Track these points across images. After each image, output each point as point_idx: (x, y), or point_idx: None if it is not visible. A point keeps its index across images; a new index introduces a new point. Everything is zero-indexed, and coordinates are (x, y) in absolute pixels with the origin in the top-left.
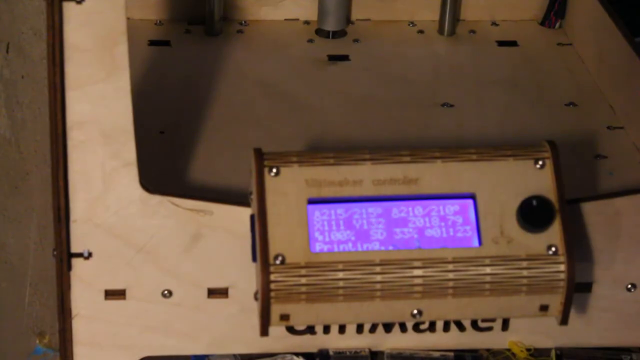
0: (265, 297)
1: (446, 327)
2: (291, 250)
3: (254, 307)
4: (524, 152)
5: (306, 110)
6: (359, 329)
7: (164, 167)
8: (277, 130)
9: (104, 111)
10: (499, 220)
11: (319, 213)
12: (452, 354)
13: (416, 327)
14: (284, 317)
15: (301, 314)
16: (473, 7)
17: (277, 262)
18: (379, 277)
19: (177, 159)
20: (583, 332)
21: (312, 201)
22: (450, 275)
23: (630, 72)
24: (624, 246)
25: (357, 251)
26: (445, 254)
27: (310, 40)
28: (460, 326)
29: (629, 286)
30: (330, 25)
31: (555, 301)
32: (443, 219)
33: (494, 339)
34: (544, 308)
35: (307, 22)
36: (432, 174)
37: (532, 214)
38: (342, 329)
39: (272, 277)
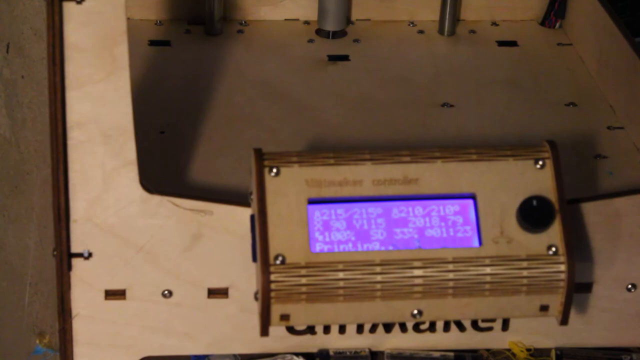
0: (265, 297)
1: (446, 327)
2: (291, 251)
3: (254, 307)
4: (524, 152)
5: (306, 110)
6: (359, 329)
7: (164, 166)
8: (277, 130)
9: (104, 111)
10: (499, 220)
11: (319, 213)
12: (452, 354)
13: (416, 327)
14: (284, 317)
15: (301, 314)
16: (473, 7)
17: (277, 262)
18: (379, 277)
19: (177, 159)
20: (583, 332)
21: (312, 201)
22: (451, 276)
23: (631, 71)
24: (624, 246)
25: (357, 251)
26: (445, 254)
27: (311, 40)
28: (460, 326)
29: (629, 286)
30: (330, 26)
31: (556, 301)
32: (443, 219)
33: (494, 339)
34: (544, 308)
35: (307, 22)
36: (432, 174)
37: (532, 214)
38: (342, 329)
39: (272, 277)
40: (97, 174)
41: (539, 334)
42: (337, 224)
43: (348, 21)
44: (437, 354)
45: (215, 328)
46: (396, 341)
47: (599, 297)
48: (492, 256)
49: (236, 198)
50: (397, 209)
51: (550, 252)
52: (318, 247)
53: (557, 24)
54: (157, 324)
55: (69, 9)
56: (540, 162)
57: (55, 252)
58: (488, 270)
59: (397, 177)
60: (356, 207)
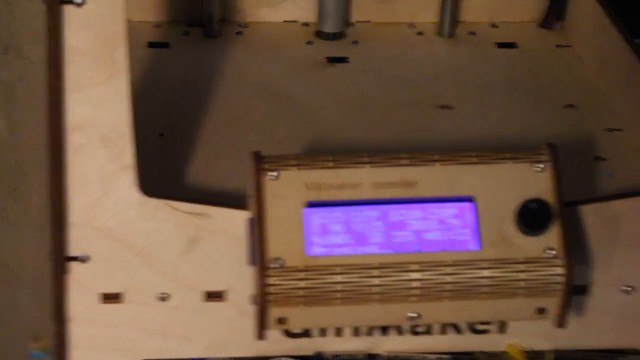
0: (262, 301)
1: (443, 330)
2: (289, 254)
3: (251, 311)
4: (523, 155)
5: (305, 112)
6: (356, 331)
7: (163, 169)
8: (276, 132)
9: (103, 114)
10: (498, 223)
11: (317, 216)
12: (448, 356)
13: (413, 330)
14: (282, 321)
15: (299, 317)
16: (472, 9)
17: (275, 265)
18: (376, 281)
19: (176, 162)
20: (580, 334)
21: (311, 204)
22: (448, 279)
23: (630, 73)
24: (621, 249)
25: (355, 255)
26: (443, 257)
27: (310, 42)
28: (457, 329)
29: (627, 288)
30: (329, 27)
31: (553, 304)
32: (442, 222)
33: (491, 342)
34: (541, 311)
35: (306, 24)
36: (431, 177)
37: (531, 217)
38: (339, 332)
39: (270, 280)
40: (96, 177)
41: (536, 336)
42: (335, 227)
43: (347, 23)
44: (433, 357)
45: (212, 331)
46: (393, 344)
47: (597, 299)
48: (491, 259)
49: (235, 201)
50: (396, 212)
51: (549, 255)
52: (316, 251)
53: (557, 26)
54: (155, 327)
55: (69, 12)
56: (540, 165)
57: (52, 256)
58: (486, 273)
59: (396, 180)
60: (354, 211)
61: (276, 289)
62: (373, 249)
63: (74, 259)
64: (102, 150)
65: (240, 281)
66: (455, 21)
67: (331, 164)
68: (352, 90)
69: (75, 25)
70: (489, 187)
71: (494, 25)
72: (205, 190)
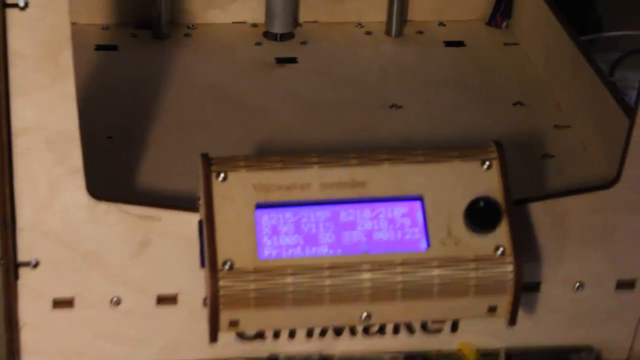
0: (214, 303)
1: (396, 330)
2: (240, 256)
3: (204, 313)
4: (470, 153)
5: (254, 114)
6: (309, 333)
7: (112, 172)
8: (226, 133)
9: (49, 118)
10: (447, 221)
11: (267, 218)
12: (402, 355)
13: (366, 331)
14: (234, 323)
15: (251, 319)
16: (420, 8)
17: (226, 267)
18: (327, 281)
19: (125, 164)
20: (532, 332)
21: (260, 206)
22: (399, 278)
23: (576, 70)
24: (571, 246)
25: (305, 256)
26: (393, 257)
27: (258, 43)
28: (410, 328)
29: (577, 285)
30: (277, 28)
31: (504, 302)
32: (391, 221)
33: (444, 341)
34: (492, 309)
35: (254, 25)
36: (379, 176)
37: (479, 215)
38: (292, 334)
39: (221, 282)
40: (43, 181)
41: (489, 334)
42: (285, 228)
43: (296, 23)
44: (387, 357)
45: (165, 334)
46: (346, 345)
47: (547, 297)
48: (440, 258)
49: (185, 203)
50: (345, 212)
51: (498, 253)
52: (266, 252)
53: (504, 24)
54: (107, 332)
55: (12, 15)
56: (487, 163)
57: (1, 262)
58: (436, 272)
59: (345, 180)
60: (304, 211)
61: (227, 292)
62: (323, 249)
63: (24, 264)
64: (49, 154)
65: (192, 284)
66: (403, 20)
67: (279, 165)
68: (301, 90)
69: (19, 29)
70: (437, 185)
71: (441, 24)
72: (156, 192)
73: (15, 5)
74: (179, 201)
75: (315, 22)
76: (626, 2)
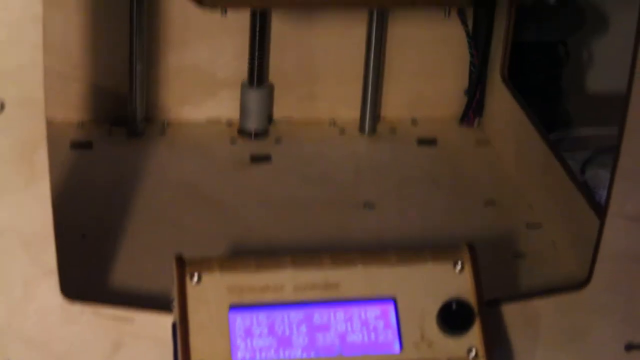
0: None
1: None
2: (214, 359)
3: None
4: (443, 255)
5: (229, 212)
6: None
7: (86, 272)
8: (200, 232)
9: (23, 219)
10: (420, 323)
11: (240, 320)
12: None
13: None
14: None
15: None
16: (393, 105)
17: None
18: None
19: (99, 263)
20: None
21: (234, 308)
22: None
23: (547, 169)
24: (543, 348)
25: (279, 359)
26: (367, 359)
27: (233, 141)
28: None
29: None
30: (252, 125)
31: None
32: (364, 323)
33: None
34: None
35: (229, 123)
36: (352, 278)
37: (452, 317)
38: None
39: None
40: (18, 282)
41: None
42: (259, 330)
43: (270, 120)
44: None
45: None
46: None
47: None
48: None
49: (160, 303)
50: (319, 314)
51: (471, 355)
52: (240, 355)
53: (476, 122)
54: None
55: None
56: (459, 265)
57: None
58: None
59: (319, 281)
60: (278, 313)
61: None
62: (297, 352)
63: None
64: (23, 255)
65: None
66: (376, 117)
67: (253, 267)
68: (275, 189)
69: None
70: (410, 287)
71: (414, 122)
72: (130, 292)
73: None
74: (153, 301)
75: (290, 119)
76: (596, 100)
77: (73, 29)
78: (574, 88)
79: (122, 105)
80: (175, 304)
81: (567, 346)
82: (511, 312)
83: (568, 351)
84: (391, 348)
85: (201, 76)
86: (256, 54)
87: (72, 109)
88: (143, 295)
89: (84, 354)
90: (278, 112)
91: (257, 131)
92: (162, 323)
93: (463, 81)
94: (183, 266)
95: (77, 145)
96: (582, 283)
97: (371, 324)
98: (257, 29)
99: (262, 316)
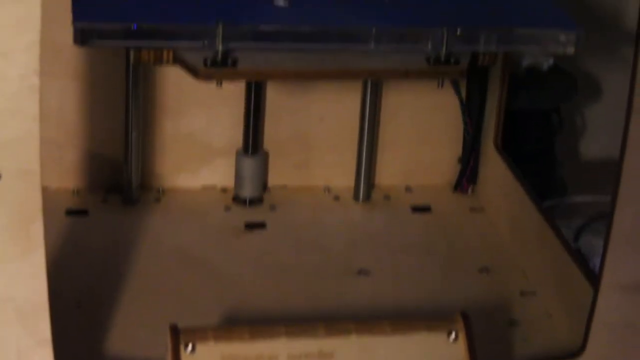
0: None
1: None
2: None
3: None
4: (437, 324)
5: (223, 280)
6: None
7: (81, 341)
8: (195, 300)
9: (18, 289)
10: None
11: None
12: None
13: None
14: None
15: None
16: (387, 173)
17: None
18: None
19: (93, 333)
20: None
21: None
22: None
23: (541, 237)
24: None
25: None
26: None
27: (228, 208)
28: None
29: None
30: (247, 193)
31: None
32: None
33: None
34: None
35: (224, 190)
36: (347, 348)
37: None
38: None
39: None
40: (11, 351)
41: None
42: None
43: (264, 188)
44: None
45: None
46: None
47: None
48: None
49: None
50: None
51: None
52: None
53: (470, 189)
54: None
55: None
56: (453, 335)
57: None
58: None
59: (313, 351)
60: None
61: None
62: None
63: None
64: (17, 325)
65: None
66: (370, 185)
67: (248, 336)
68: (269, 256)
69: None
70: (404, 357)
71: (408, 189)
72: None
73: None
74: None
75: (284, 186)
76: (590, 167)
77: (69, 97)
78: (567, 155)
79: (117, 172)
80: None
81: None
82: None
83: None
84: None
85: (196, 144)
86: (251, 122)
87: (68, 177)
88: None
89: None
90: (273, 180)
91: (252, 198)
92: None
93: (457, 149)
94: (177, 336)
95: (72, 213)
96: (576, 352)
97: None
98: (252, 98)
99: None
